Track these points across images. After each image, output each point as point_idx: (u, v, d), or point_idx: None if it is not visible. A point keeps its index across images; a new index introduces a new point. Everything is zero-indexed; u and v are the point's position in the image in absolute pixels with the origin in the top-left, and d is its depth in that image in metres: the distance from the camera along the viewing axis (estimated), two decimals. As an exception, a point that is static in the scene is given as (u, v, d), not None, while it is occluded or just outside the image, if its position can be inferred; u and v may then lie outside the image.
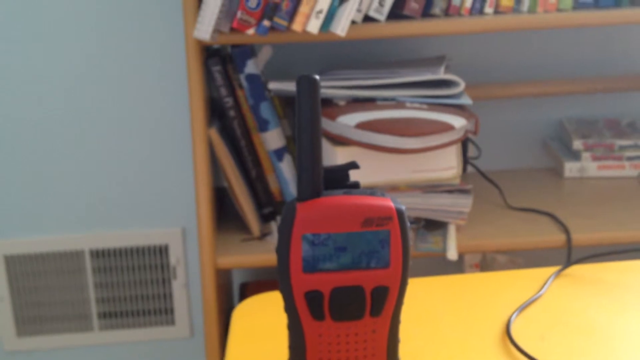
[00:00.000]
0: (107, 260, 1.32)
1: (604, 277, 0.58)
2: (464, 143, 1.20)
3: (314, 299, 0.40)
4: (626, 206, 1.08)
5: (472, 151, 1.22)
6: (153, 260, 1.34)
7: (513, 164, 1.31)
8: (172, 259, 1.35)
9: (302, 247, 0.40)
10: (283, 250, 0.40)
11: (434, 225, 1.00)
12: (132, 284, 1.34)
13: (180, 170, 1.28)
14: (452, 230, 0.97)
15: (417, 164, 0.94)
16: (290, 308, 0.41)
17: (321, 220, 0.40)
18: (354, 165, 0.44)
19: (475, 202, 1.11)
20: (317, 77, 0.39)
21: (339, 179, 0.43)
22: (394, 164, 0.94)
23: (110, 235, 1.30)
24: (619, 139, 1.20)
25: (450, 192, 0.96)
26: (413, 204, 0.96)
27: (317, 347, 0.41)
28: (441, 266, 1.31)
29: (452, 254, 0.91)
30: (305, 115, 0.39)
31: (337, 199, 0.41)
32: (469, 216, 1.05)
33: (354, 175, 0.90)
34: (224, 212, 1.12)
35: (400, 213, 0.40)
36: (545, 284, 0.56)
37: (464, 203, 0.96)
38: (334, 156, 0.93)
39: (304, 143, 0.40)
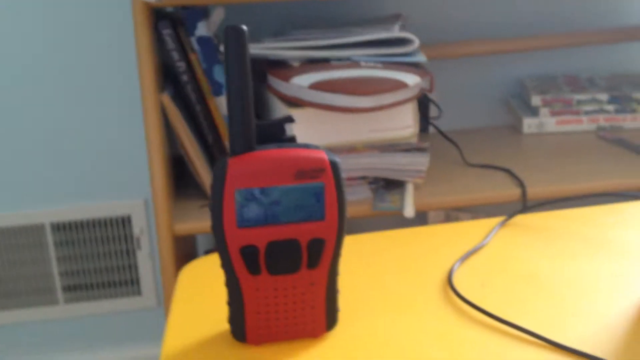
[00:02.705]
0: (69, 233, 1.30)
1: (548, 226, 0.58)
2: (425, 103, 1.20)
3: (249, 253, 0.40)
4: (583, 160, 1.09)
5: (433, 111, 1.22)
6: (116, 232, 1.33)
7: (475, 122, 1.32)
8: (136, 230, 1.33)
9: (235, 203, 0.40)
10: (216, 206, 0.40)
11: (393, 185, 1.00)
12: (96, 256, 1.33)
13: (139, 139, 1.26)
14: (409, 189, 0.97)
15: (374, 123, 0.94)
16: (226, 264, 0.41)
17: (253, 175, 0.40)
18: (289, 119, 0.43)
19: (436, 161, 1.11)
20: (244, 27, 0.39)
21: (274, 133, 0.42)
22: (350, 124, 0.93)
23: (71, 209, 1.29)
24: (577, 94, 1.21)
25: (407, 150, 0.96)
26: (371, 164, 0.95)
27: (255, 301, 0.42)
28: (407, 227, 1.32)
29: (408, 212, 0.92)
30: (234, 68, 0.39)
31: (269, 152, 0.40)
32: (429, 175, 1.05)
33: (302, 136, 0.89)
34: (184, 180, 1.10)
35: (334, 165, 0.40)
36: (489, 233, 0.57)
37: (422, 161, 0.96)
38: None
39: (233, 96, 0.39)
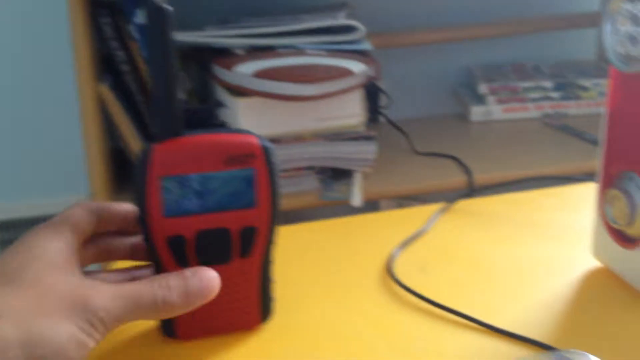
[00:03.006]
0: (14, 232, 1.25)
1: (490, 210, 0.58)
2: (375, 93, 1.20)
3: (176, 244, 0.38)
4: (529, 146, 1.10)
5: (383, 101, 1.21)
6: (62, 229, 1.28)
7: (424, 111, 1.32)
8: (82, 227, 1.29)
9: (160, 191, 0.38)
10: (140, 194, 0.38)
11: (341, 175, 0.99)
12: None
13: (79, 133, 1.22)
14: (357, 178, 0.96)
15: (321, 112, 0.93)
16: (152, 255, 0.39)
17: (180, 161, 0.38)
18: (219, 104, 0.42)
19: (385, 150, 1.11)
20: (169, 7, 0.37)
21: (204, 119, 0.40)
22: (297, 113, 0.92)
23: (14, 206, 1.24)
24: (522, 82, 1.23)
25: (355, 139, 0.95)
26: (318, 154, 0.94)
27: (185, 293, 0.40)
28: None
29: (356, 201, 0.91)
30: (157, 49, 0.37)
31: (196, 138, 0.38)
32: (378, 164, 1.04)
33: (247, 126, 0.87)
34: (126, 174, 1.07)
35: (266, 150, 0.39)
36: (431, 219, 0.56)
37: (369, 150, 0.96)
38: (234, 108, 0.90)
39: (157, 79, 0.37)
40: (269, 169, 0.39)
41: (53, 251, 0.35)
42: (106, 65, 0.99)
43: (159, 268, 0.39)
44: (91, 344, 0.33)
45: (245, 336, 0.42)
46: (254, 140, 0.39)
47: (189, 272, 0.37)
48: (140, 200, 0.38)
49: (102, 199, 0.92)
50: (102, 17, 0.91)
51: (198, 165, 0.38)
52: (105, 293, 0.34)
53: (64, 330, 0.32)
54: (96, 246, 0.40)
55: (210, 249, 0.39)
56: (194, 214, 0.38)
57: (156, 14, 0.36)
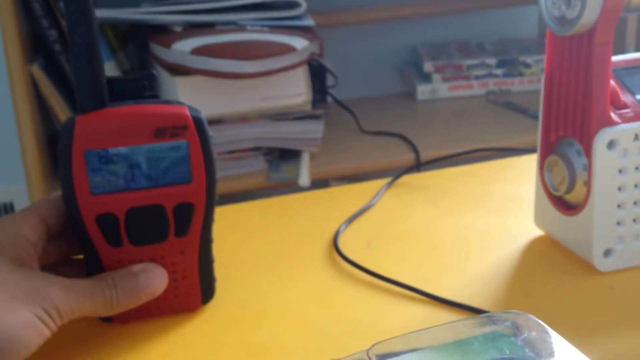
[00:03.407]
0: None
1: (435, 184, 0.58)
2: (322, 73, 1.18)
3: (107, 223, 0.36)
4: (474, 123, 1.11)
5: (330, 80, 1.20)
6: (-1, 220, 1.23)
7: (371, 91, 1.31)
8: (21, 217, 1.24)
9: (86, 166, 0.36)
10: (65, 171, 0.36)
11: (289, 155, 0.98)
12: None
13: (11, 118, 1.16)
14: (305, 158, 0.95)
15: (266, 91, 0.91)
16: (82, 236, 0.37)
17: (106, 134, 0.36)
18: (149, 75, 0.39)
19: (332, 129, 1.10)
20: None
21: (133, 91, 0.38)
22: (240, 92, 0.90)
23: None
24: (467, 59, 1.23)
25: (301, 118, 0.94)
26: (265, 134, 0.93)
27: (118, 275, 0.38)
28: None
29: (303, 181, 0.90)
30: (74, 15, 0.34)
31: (123, 109, 0.36)
32: (325, 143, 1.03)
33: (200, 107, 0.85)
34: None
35: (198, 121, 0.37)
36: (377, 194, 0.56)
37: (316, 129, 0.95)
38: (173, 87, 0.87)
39: (77, 48, 0.35)
40: (203, 141, 0.37)
41: (12, 244, 0.35)
42: (38, 46, 0.94)
43: (90, 249, 0.37)
44: (47, 332, 0.33)
45: (185, 318, 0.40)
46: (185, 111, 0.37)
47: (137, 268, 0.37)
48: (66, 177, 0.36)
49: (39, 188, 0.88)
50: (31, -5, 0.87)
51: (125, 138, 0.36)
52: (61, 285, 0.34)
53: (21, 316, 0.32)
54: (62, 241, 0.38)
55: (144, 227, 0.37)
56: (125, 191, 0.36)
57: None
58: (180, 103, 0.37)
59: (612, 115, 0.41)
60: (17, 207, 1.22)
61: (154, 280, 0.37)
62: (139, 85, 0.38)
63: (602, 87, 0.40)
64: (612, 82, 0.41)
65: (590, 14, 0.38)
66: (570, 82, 0.41)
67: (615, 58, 0.43)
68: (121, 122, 0.36)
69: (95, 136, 0.35)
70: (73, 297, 0.34)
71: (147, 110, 0.36)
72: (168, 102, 0.37)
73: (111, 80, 0.37)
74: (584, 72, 0.40)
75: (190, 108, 0.37)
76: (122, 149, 0.36)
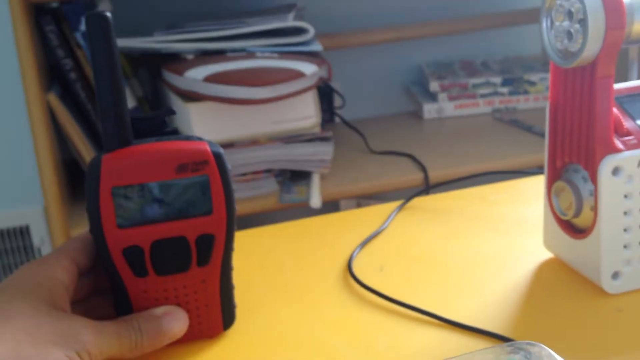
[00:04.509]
0: (-37, 249, 1.21)
1: (445, 206, 0.59)
2: (329, 94, 1.20)
3: (133, 255, 0.38)
4: (480, 141, 1.13)
5: (337, 101, 1.22)
6: (15, 244, 1.25)
7: (378, 110, 1.33)
8: (36, 240, 1.26)
9: (113, 202, 0.37)
10: (92, 207, 0.37)
11: (299, 177, 0.99)
12: (-6, 271, 1.25)
13: (29, 143, 1.19)
14: (315, 179, 0.97)
15: (276, 115, 0.93)
16: (109, 267, 0.38)
17: (131, 171, 0.37)
18: (169, 112, 0.41)
19: (341, 150, 1.11)
20: (109, 14, 0.36)
21: (154, 127, 0.40)
22: (251, 117, 0.92)
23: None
24: (472, 78, 1.25)
25: (310, 141, 0.96)
26: (275, 156, 0.94)
27: (144, 303, 0.39)
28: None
29: (315, 202, 0.92)
30: (100, 58, 0.36)
31: (146, 146, 0.38)
32: (335, 164, 1.05)
33: (201, 131, 0.87)
34: (81, 184, 1.05)
35: (217, 156, 0.39)
36: (388, 217, 0.57)
37: (325, 151, 0.96)
38: (186, 113, 0.89)
39: (103, 89, 0.37)
40: (222, 175, 0.39)
41: (47, 287, 0.36)
42: (54, 74, 0.97)
43: (117, 279, 0.39)
44: None
45: (207, 344, 0.41)
46: (205, 147, 0.38)
47: (159, 311, 0.39)
48: (93, 213, 0.37)
49: (56, 211, 0.90)
50: (47, 25, 0.89)
51: (149, 174, 0.37)
52: (92, 329, 0.36)
53: (56, 358, 0.33)
54: (91, 276, 0.40)
55: (168, 258, 0.39)
56: (149, 224, 0.38)
57: (96, 21, 0.36)
58: (200, 139, 0.39)
59: (616, 142, 0.42)
60: (33, 229, 1.24)
61: (176, 324, 0.39)
62: (160, 121, 0.40)
63: (605, 116, 0.41)
64: (615, 110, 0.43)
65: (592, 47, 0.39)
66: (574, 112, 0.43)
67: (617, 86, 0.44)
68: (145, 159, 0.37)
69: (121, 173, 0.37)
70: (103, 340, 0.36)
71: (169, 148, 0.38)
72: (188, 137, 0.39)
73: (134, 118, 0.39)
74: (588, 103, 0.42)
75: (210, 144, 0.39)
76: (147, 185, 0.38)
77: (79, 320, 0.36)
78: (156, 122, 0.40)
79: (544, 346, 0.30)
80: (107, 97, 0.37)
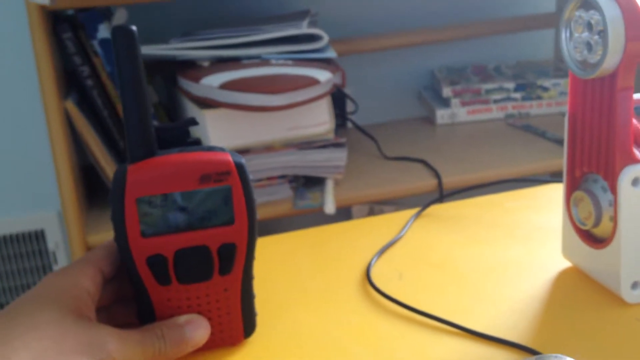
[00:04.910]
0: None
1: (461, 214, 0.60)
2: (341, 99, 1.21)
3: (157, 263, 0.39)
4: (493, 147, 1.13)
5: (350, 107, 1.22)
6: (30, 247, 1.26)
7: (390, 115, 1.33)
8: (51, 244, 1.27)
9: (137, 211, 0.38)
10: (117, 216, 0.38)
11: (313, 183, 1.00)
12: (10, 275, 1.26)
13: (46, 149, 1.20)
14: (329, 185, 0.97)
15: (290, 121, 0.93)
16: (133, 276, 0.39)
17: (155, 181, 0.38)
18: (192, 122, 0.42)
19: (354, 155, 1.12)
20: (134, 27, 0.37)
21: (177, 137, 0.40)
22: (266, 123, 0.92)
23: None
24: (484, 83, 1.25)
25: (324, 147, 0.96)
26: (289, 163, 0.95)
27: (167, 311, 0.40)
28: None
29: (329, 208, 0.92)
30: (126, 71, 0.37)
31: (170, 157, 0.38)
32: (348, 170, 1.05)
33: (216, 137, 0.87)
34: (97, 190, 1.06)
35: (240, 167, 0.39)
36: (405, 225, 0.57)
37: (339, 157, 0.97)
38: (202, 120, 0.90)
39: (128, 101, 0.37)
40: (244, 185, 0.39)
41: (72, 296, 0.37)
42: (71, 81, 0.98)
43: (140, 287, 0.39)
44: None
45: (229, 352, 0.42)
46: (228, 158, 0.39)
47: (182, 319, 0.39)
48: (118, 223, 0.38)
49: (73, 217, 0.90)
50: (64, 33, 0.90)
51: (173, 185, 0.38)
52: (117, 337, 0.36)
53: None
54: (115, 284, 0.41)
55: (191, 267, 0.39)
56: (173, 233, 0.39)
57: (122, 35, 0.36)
58: (223, 149, 0.40)
59: (636, 153, 0.42)
60: (48, 234, 1.25)
61: (198, 332, 0.39)
62: (183, 132, 0.41)
63: (625, 128, 0.41)
64: (634, 121, 0.43)
65: (612, 59, 0.40)
66: (593, 123, 0.43)
67: (637, 96, 0.44)
68: (169, 170, 0.38)
69: (146, 184, 0.38)
70: (127, 348, 0.36)
71: (193, 158, 0.38)
72: (211, 148, 0.40)
73: (157, 129, 0.39)
74: (607, 114, 0.42)
75: (232, 154, 0.39)
76: (170, 195, 0.38)
77: (103, 329, 0.36)
78: (179, 132, 0.40)
79: (569, 359, 0.30)
80: (132, 109, 0.37)
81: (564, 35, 0.43)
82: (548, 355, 0.30)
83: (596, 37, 0.40)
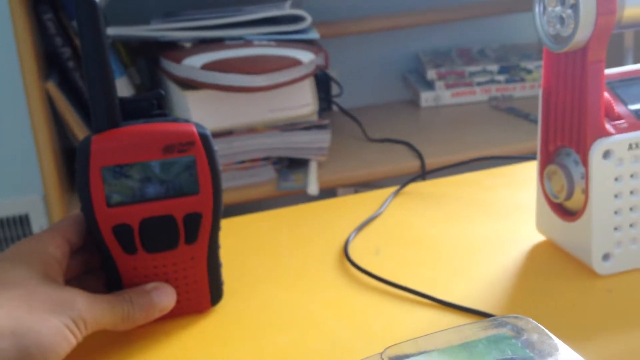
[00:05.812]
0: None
1: (440, 192, 0.59)
2: (326, 82, 1.20)
3: (122, 232, 0.39)
4: (477, 129, 1.13)
5: (335, 89, 1.22)
6: (14, 232, 1.25)
7: (375, 99, 1.32)
8: (35, 228, 1.27)
9: (102, 181, 0.38)
10: (82, 186, 0.38)
11: (297, 164, 0.99)
12: (-6, 260, 1.25)
13: (28, 132, 1.19)
14: (313, 167, 0.97)
15: (273, 103, 0.93)
16: (100, 245, 0.39)
17: (119, 151, 0.38)
18: (158, 94, 0.41)
19: (338, 138, 1.11)
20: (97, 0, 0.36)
21: (142, 109, 0.40)
22: (249, 105, 0.92)
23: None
24: (469, 66, 1.25)
25: (308, 128, 0.96)
26: (273, 144, 0.94)
27: (134, 280, 0.40)
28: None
29: (312, 189, 0.92)
30: (89, 42, 0.37)
31: (134, 127, 0.38)
32: (332, 152, 1.05)
33: (199, 118, 0.87)
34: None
35: (204, 137, 0.39)
36: (384, 202, 0.57)
37: (323, 139, 0.96)
38: (184, 101, 0.89)
39: (92, 71, 0.37)
40: (209, 155, 0.39)
41: (41, 260, 0.37)
42: (52, 63, 0.97)
43: (107, 257, 0.39)
44: (74, 340, 0.35)
45: (195, 319, 0.42)
46: (192, 129, 0.39)
47: (149, 286, 0.40)
48: (83, 192, 0.38)
49: (56, 200, 0.90)
50: (45, 14, 0.89)
51: (137, 155, 0.38)
52: (86, 298, 0.36)
53: (51, 324, 0.34)
54: (83, 254, 0.41)
55: (157, 236, 0.39)
56: (138, 203, 0.38)
57: (85, 6, 0.36)
58: (187, 121, 0.39)
59: (607, 126, 0.42)
60: (33, 218, 1.24)
61: (165, 297, 0.40)
62: (149, 104, 0.40)
63: (596, 101, 0.41)
64: (606, 94, 0.43)
65: (583, 32, 0.39)
66: (566, 96, 0.43)
67: (609, 71, 0.44)
68: (133, 140, 0.38)
69: (110, 153, 0.37)
70: (97, 310, 0.36)
71: (156, 129, 0.38)
72: (176, 120, 0.40)
73: (123, 101, 0.39)
74: (579, 87, 0.42)
75: (196, 125, 0.39)
76: (135, 165, 0.38)
77: (72, 290, 0.36)
78: (144, 104, 0.40)
79: (530, 319, 0.31)
80: (96, 80, 0.37)
81: (537, 9, 0.43)
82: (508, 316, 0.31)
83: (569, 10, 0.40)
